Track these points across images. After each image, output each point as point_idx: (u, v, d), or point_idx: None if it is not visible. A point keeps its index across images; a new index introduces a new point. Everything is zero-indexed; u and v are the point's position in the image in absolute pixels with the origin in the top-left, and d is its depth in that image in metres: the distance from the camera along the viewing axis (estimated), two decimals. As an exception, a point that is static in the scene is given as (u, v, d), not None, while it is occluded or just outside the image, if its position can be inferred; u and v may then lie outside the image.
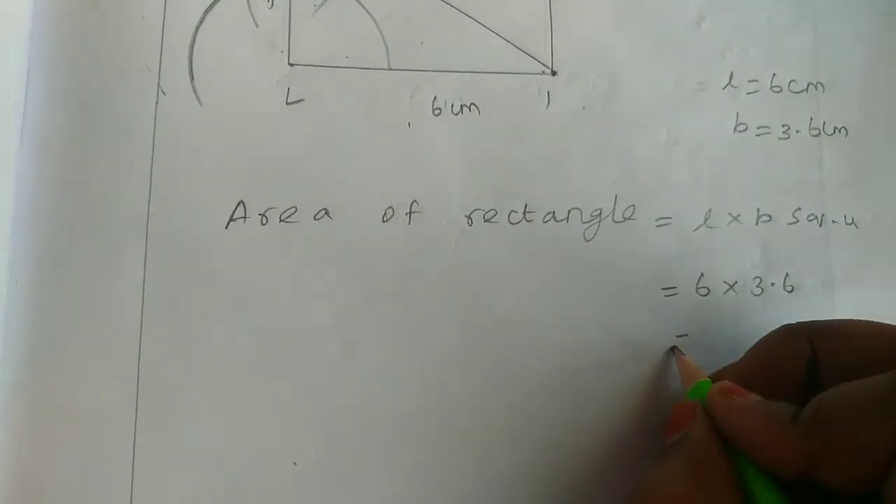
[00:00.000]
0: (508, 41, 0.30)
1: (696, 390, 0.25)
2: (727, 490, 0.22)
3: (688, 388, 0.26)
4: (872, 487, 0.19)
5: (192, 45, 0.28)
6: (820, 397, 0.21)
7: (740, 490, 0.22)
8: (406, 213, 0.28)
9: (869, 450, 0.19)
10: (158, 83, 0.28)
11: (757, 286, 0.30)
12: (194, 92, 0.28)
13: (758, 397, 0.23)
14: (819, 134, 0.31)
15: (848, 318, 0.25)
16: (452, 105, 0.29)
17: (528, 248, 0.29)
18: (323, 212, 0.28)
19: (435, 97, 0.29)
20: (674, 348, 0.28)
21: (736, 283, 0.29)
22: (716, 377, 0.26)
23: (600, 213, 0.29)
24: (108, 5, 0.28)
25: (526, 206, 0.29)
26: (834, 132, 0.31)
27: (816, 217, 0.30)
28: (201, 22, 0.28)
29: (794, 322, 0.26)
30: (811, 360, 0.24)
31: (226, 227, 0.27)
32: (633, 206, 0.29)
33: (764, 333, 0.29)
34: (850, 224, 0.30)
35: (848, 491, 0.20)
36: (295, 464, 0.27)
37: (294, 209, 0.28)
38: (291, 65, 0.28)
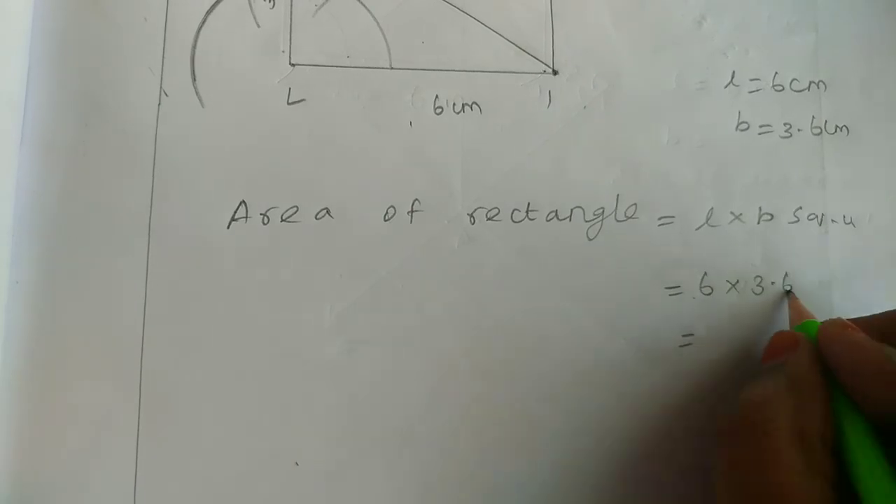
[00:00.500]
0: (509, 40, 0.30)
1: (803, 327, 0.26)
2: (818, 404, 0.23)
3: (794, 325, 0.28)
4: None
5: (194, 46, 0.28)
6: None
7: (831, 414, 0.23)
8: (408, 212, 0.28)
9: None
10: (161, 84, 0.28)
11: (758, 285, 0.29)
12: (196, 93, 0.28)
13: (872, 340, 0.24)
14: (821, 133, 0.31)
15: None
16: (454, 104, 0.29)
17: (531, 247, 0.29)
18: (324, 211, 0.28)
19: (436, 96, 0.29)
20: (788, 291, 0.29)
21: (738, 282, 0.29)
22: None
23: (602, 211, 0.29)
24: (110, 7, 0.28)
25: (528, 204, 0.29)
26: (835, 131, 0.31)
27: (817, 216, 0.30)
28: (203, 23, 0.28)
29: None
30: None
31: (227, 227, 0.27)
32: (636, 204, 0.29)
33: (766, 333, 0.29)
34: (848, 223, 0.30)
35: None
36: (297, 463, 0.27)
37: (295, 209, 0.28)
38: (293, 65, 0.28)
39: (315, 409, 0.27)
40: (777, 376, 0.24)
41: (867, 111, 0.31)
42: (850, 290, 0.30)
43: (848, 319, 0.26)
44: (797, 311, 0.28)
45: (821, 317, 0.27)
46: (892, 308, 0.28)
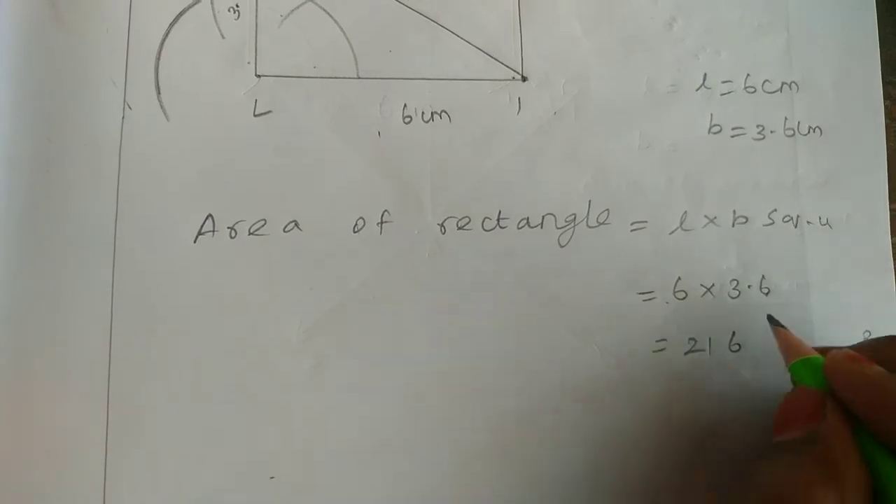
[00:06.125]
0: (478, 48, 0.29)
1: (805, 365, 0.23)
2: (862, 490, 0.20)
3: (791, 362, 0.24)
4: None
5: (157, 59, 0.28)
6: None
7: (871, 485, 0.20)
8: (377, 223, 0.28)
9: None
10: (124, 98, 0.27)
11: (734, 288, 0.29)
12: (161, 106, 0.28)
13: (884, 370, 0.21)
14: (794, 134, 0.30)
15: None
16: (423, 113, 0.29)
17: (503, 256, 0.28)
18: (292, 224, 0.28)
19: (405, 105, 0.29)
20: (770, 317, 0.27)
21: (713, 285, 0.29)
22: (823, 353, 0.23)
23: (574, 218, 0.29)
24: (72, 19, 0.27)
25: (499, 212, 0.29)
26: (808, 132, 0.30)
27: (792, 218, 0.30)
28: (167, 35, 0.28)
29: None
30: None
31: (194, 242, 0.27)
32: (608, 210, 0.29)
33: (743, 335, 0.29)
34: (824, 224, 0.30)
35: None
36: (271, 478, 0.26)
37: (263, 222, 0.27)
38: (259, 76, 0.28)
39: (288, 422, 0.27)
40: (807, 461, 0.20)
41: (840, 111, 0.31)
42: (828, 292, 0.30)
43: (845, 349, 0.23)
44: (790, 346, 0.24)
45: (799, 321, 0.26)
46: (871, 309, 0.28)
